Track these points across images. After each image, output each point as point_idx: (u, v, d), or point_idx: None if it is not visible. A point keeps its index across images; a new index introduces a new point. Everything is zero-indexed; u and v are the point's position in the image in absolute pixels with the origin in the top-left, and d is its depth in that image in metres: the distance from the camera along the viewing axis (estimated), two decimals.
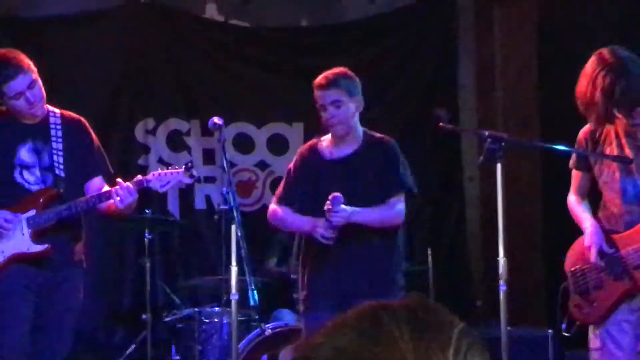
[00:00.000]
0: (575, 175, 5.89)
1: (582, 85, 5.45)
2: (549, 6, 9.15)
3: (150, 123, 9.35)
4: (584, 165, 5.82)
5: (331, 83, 5.93)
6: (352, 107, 5.94)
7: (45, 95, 5.87)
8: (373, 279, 5.82)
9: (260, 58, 9.53)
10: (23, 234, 5.67)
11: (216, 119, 5.66)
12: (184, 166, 5.74)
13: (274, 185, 9.37)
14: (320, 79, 6.01)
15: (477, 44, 9.59)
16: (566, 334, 5.82)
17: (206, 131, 8.71)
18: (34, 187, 5.81)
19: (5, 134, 5.86)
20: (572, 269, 5.78)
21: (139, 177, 5.69)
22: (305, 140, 9.25)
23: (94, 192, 5.86)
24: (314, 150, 6.12)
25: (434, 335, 1.21)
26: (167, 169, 5.77)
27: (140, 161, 9.28)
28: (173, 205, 9.25)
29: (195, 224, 8.97)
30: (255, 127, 9.42)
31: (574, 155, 5.82)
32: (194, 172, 5.79)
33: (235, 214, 5.48)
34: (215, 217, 6.22)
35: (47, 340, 5.79)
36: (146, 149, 9.33)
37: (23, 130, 5.87)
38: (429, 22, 9.54)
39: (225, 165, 5.73)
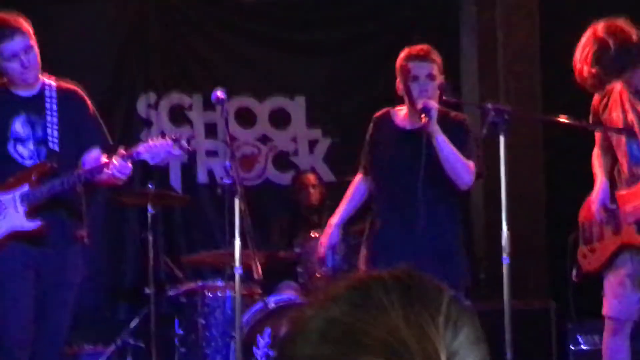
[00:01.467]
0: (596, 134, 6.10)
1: (576, 58, 5.60)
2: None
3: (152, 97, 9.34)
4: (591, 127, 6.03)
5: (428, 56, 5.87)
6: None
7: (40, 65, 5.84)
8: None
9: (261, 32, 9.52)
10: (17, 211, 5.62)
11: (219, 93, 5.64)
12: (172, 139, 5.67)
13: (276, 159, 9.39)
14: (417, 50, 5.94)
15: (478, 18, 9.58)
16: (575, 280, 5.99)
17: (208, 105, 8.72)
18: (28, 162, 5.77)
19: (2, 106, 5.84)
20: (582, 220, 5.98)
21: (128, 150, 5.60)
22: (308, 113, 9.29)
23: (91, 163, 5.81)
24: (390, 120, 6.05)
25: (424, 304, 1.21)
26: (157, 140, 5.70)
27: (142, 135, 9.26)
28: (175, 180, 9.25)
29: (197, 198, 8.96)
30: (257, 100, 9.41)
31: (592, 116, 5.96)
32: (183, 143, 5.70)
33: (237, 187, 5.47)
34: (218, 191, 6.21)
35: (48, 317, 5.79)
36: (148, 124, 9.33)
37: (17, 102, 5.84)
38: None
39: (227, 139, 5.71)
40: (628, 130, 5.81)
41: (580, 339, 6.51)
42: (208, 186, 9.13)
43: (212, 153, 9.33)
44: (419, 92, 5.73)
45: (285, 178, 9.22)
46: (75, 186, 5.70)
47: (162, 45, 9.36)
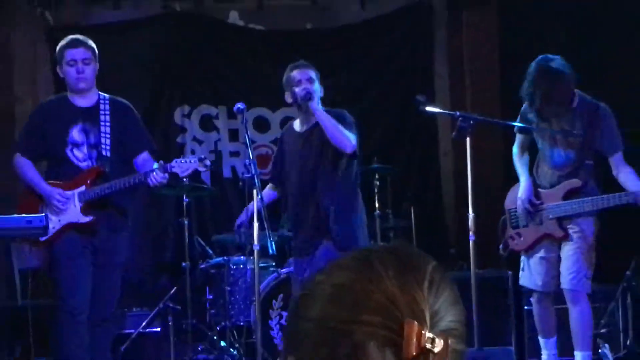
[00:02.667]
0: (519, 136, 6.19)
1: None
2: (507, 11, 9.13)
3: (186, 109, 9.37)
4: (525, 130, 6.11)
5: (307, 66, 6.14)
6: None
7: (94, 80, 5.92)
8: None
9: (273, 55, 9.50)
10: (75, 207, 5.71)
11: (240, 105, 5.68)
12: (197, 157, 5.76)
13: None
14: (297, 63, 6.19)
15: (449, 42, 9.58)
16: (502, 254, 6.09)
17: (231, 115, 8.75)
18: (82, 164, 5.82)
19: (62, 116, 5.87)
20: (509, 207, 6.04)
21: (164, 163, 5.65)
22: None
23: (141, 164, 5.90)
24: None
25: (412, 271, 1.21)
26: (187, 158, 5.83)
27: (179, 139, 9.32)
28: (205, 176, 9.26)
29: (223, 189, 8.99)
30: (271, 111, 9.43)
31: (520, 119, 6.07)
32: (207, 163, 5.81)
33: (255, 181, 5.50)
34: (240, 183, 6.24)
35: (101, 289, 5.84)
36: (183, 130, 9.35)
37: (75, 112, 5.88)
38: (410, 25, 9.51)
39: (247, 142, 5.74)
40: (564, 132, 5.86)
41: (530, 299, 6.53)
42: (231, 180, 9.16)
43: (234, 153, 9.35)
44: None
45: None
46: (122, 188, 5.72)
47: (194, 67, 9.38)
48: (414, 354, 1.13)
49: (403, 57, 9.57)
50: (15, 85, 9.11)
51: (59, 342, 5.77)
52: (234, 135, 9.30)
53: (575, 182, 5.85)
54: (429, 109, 6.59)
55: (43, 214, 5.49)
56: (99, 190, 5.72)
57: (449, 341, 1.16)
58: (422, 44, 9.55)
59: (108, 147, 5.84)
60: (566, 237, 5.87)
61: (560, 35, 8.18)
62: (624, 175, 5.79)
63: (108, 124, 5.87)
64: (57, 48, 5.94)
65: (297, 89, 5.91)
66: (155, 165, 5.67)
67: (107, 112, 5.90)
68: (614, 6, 8.48)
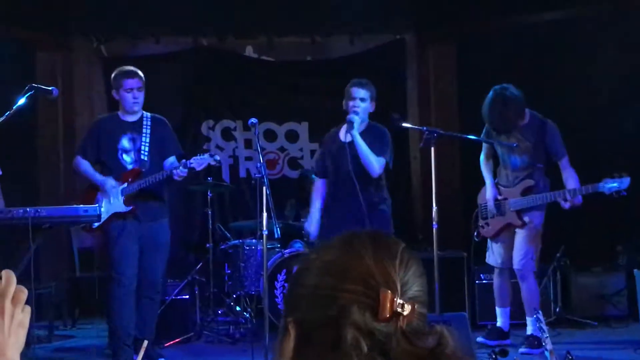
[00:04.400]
0: (484, 147, 6.34)
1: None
2: (464, 48, 9.13)
3: (211, 122, 9.36)
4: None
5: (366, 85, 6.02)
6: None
7: (143, 103, 5.96)
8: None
9: (281, 81, 9.50)
10: (119, 199, 5.75)
11: (253, 119, 5.64)
12: (210, 155, 5.78)
13: (289, 162, 9.40)
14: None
15: (418, 71, 9.57)
16: (475, 239, 6.11)
17: (246, 127, 8.73)
18: (129, 166, 5.87)
19: (114, 127, 5.92)
20: (480, 202, 6.09)
21: (185, 161, 5.67)
22: (310, 133, 9.29)
23: (168, 166, 5.91)
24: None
25: (386, 250, 1.22)
26: (202, 155, 5.75)
27: (205, 147, 9.28)
28: (225, 175, 9.27)
29: (239, 186, 8.96)
30: (277, 124, 9.41)
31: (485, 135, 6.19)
32: (217, 158, 5.85)
33: (265, 180, 5.47)
34: (252, 182, 6.20)
35: (149, 270, 5.88)
36: (208, 139, 9.34)
37: (125, 125, 5.93)
38: (389, 58, 9.49)
39: (258, 149, 5.71)
40: (513, 145, 5.89)
41: (482, 276, 6.52)
42: (246, 179, 9.14)
43: (248, 158, 9.32)
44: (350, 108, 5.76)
45: (295, 174, 9.21)
46: (157, 182, 5.75)
47: (217, 90, 9.37)
48: (388, 315, 1.14)
49: (382, 83, 9.44)
50: (75, 103, 9.10)
51: (113, 306, 5.78)
52: (248, 143, 9.28)
53: (530, 182, 5.97)
54: (404, 124, 6.59)
55: (97, 205, 5.46)
56: (136, 185, 5.78)
57: (415, 306, 1.17)
58: (397, 72, 9.54)
59: (146, 153, 5.89)
60: (523, 225, 5.93)
61: (507, 66, 8.16)
62: (566, 176, 5.91)
63: (148, 134, 5.93)
64: (114, 75, 5.95)
65: (350, 104, 5.77)
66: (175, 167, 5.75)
67: (149, 126, 5.96)
68: (552, 42, 8.48)
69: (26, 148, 8.74)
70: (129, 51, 9.15)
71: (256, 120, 5.66)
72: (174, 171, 5.66)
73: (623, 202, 7.75)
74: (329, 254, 1.24)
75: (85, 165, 5.96)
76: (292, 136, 9.45)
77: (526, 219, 5.97)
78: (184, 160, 5.71)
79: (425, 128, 5.99)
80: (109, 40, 9.14)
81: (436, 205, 5.70)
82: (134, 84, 5.85)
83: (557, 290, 7.13)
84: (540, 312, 3.95)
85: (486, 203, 6.19)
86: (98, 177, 5.88)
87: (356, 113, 5.70)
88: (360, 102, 5.80)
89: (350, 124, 5.65)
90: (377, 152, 5.69)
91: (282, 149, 9.42)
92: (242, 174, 9.30)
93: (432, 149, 5.75)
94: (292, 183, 9.06)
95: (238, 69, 9.44)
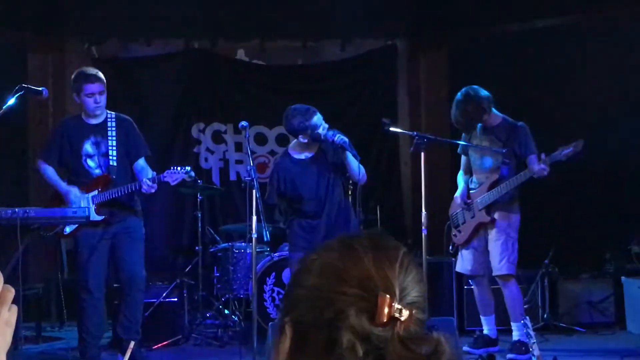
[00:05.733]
0: (462, 160, 6.35)
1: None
2: (455, 54, 9.16)
3: (201, 125, 9.34)
4: (465, 151, 6.29)
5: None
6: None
7: (105, 104, 5.80)
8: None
9: (272, 84, 9.50)
10: (90, 208, 5.61)
11: (243, 122, 5.63)
12: (185, 170, 5.68)
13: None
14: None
15: (409, 77, 9.60)
16: (450, 252, 6.16)
17: (237, 131, 8.73)
18: (96, 171, 5.76)
19: (77, 133, 5.80)
20: (451, 212, 6.11)
21: (156, 175, 5.62)
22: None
23: (138, 169, 5.88)
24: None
25: (386, 254, 1.21)
26: (176, 170, 5.66)
27: (195, 149, 9.30)
28: (216, 178, 9.27)
29: (230, 189, 8.94)
30: (268, 128, 9.40)
31: (460, 147, 6.28)
32: (192, 174, 5.74)
33: (255, 183, 5.47)
34: (242, 185, 6.18)
35: (128, 262, 5.80)
36: (198, 142, 9.33)
37: (88, 129, 5.81)
38: (379, 63, 9.52)
39: (248, 152, 5.71)
40: (501, 152, 5.91)
41: (470, 282, 6.52)
42: (236, 182, 9.12)
43: (239, 161, 9.32)
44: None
45: None
46: (124, 193, 5.67)
47: (208, 92, 9.36)
48: (385, 320, 1.13)
49: (373, 88, 9.57)
50: (66, 105, 9.07)
51: (80, 311, 5.77)
52: (238, 147, 9.28)
53: (495, 176, 5.95)
54: (392, 129, 6.59)
55: (85, 207, 5.44)
56: (108, 194, 5.68)
57: (413, 311, 1.16)
58: (388, 78, 9.57)
59: (114, 157, 5.79)
60: (493, 222, 5.92)
61: (498, 73, 8.19)
62: (529, 163, 5.84)
63: (114, 136, 5.81)
64: (75, 78, 5.75)
65: (330, 133, 5.75)
66: (150, 175, 5.66)
67: (114, 127, 5.84)
68: (543, 50, 8.52)
69: (16, 149, 8.72)
70: (120, 53, 9.14)
71: (247, 123, 5.64)
72: (143, 185, 5.55)
73: (611, 210, 7.81)
74: (328, 256, 1.23)
75: (49, 171, 5.81)
76: (282, 140, 9.43)
77: (496, 216, 5.97)
78: (154, 174, 5.64)
79: (415, 133, 6.00)
80: (100, 42, 9.12)
81: (426, 210, 5.71)
82: (94, 89, 5.68)
83: (544, 296, 7.14)
84: (527, 317, 3.96)
85: (456, 212, 6.22)
86: (62, 186, 5.73)
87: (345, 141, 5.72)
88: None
89: (344, 144, 5.67)
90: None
91: (272, 153, 9.41)
92: (233, 177, 9.29)
93: (422, 154, 5.76)
94: None
95: (229, 72, 9.44)
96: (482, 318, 6.21)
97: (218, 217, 8.97)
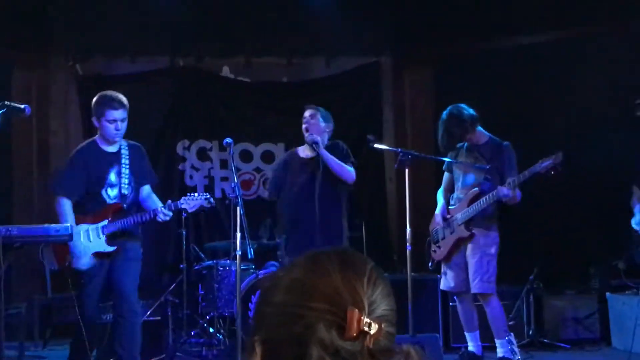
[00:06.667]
0: (445, 178, 6.38)
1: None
2: (440, 71, 9.21)
3: (186, 142, 9.33)
4: (450, 169, 6.29)
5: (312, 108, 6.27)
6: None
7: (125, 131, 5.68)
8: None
9: (257, 101, 9.51)
10: (99, 238, 5.53)
11: (228, 139, 5.62)
12: (204, 196, 5.69)
13: (264, 183, 9.39)
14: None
15: (394, 94, 9.63)
16: (430, 269, 6.16)
17: (222, 148, 8.69)
18: (112, 201, 5.62)
19: (100, 161, 5.62)
20: (431, 228, 6.11)
21: (173, 202, 5.58)
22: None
23: (144, 195, 5.81)
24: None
25: (354, 269, 1.21)
26: (195, 196, 5.66)
27: (180, 167, 9.28)
28: None
29: (214, 207, 8.86)
30: (253, 145, 9.41)
31: (446, 163, 6.26)
32: (212, 201, 5.74)
33: (239, 200, 5.45)
34: (227, 202, 6.20)
35: (124, 284, 5.64)
36: (183, 159, 9.32)
37: (109, 157, 5.65)
38: (364, 80, 9.57)
39: (233, 169, 5.70)
40: (484, 168, 5.93)
41: (455, 298, 6.52)
42: (221, 199, 9.09)
43: (224, 178, 9.30)
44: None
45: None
46: (136, 223, 5.61)
47: (193, 109, 9.35)
48: (354, 334, 1.13)
49: (358, 105, 9.60)
50: (50, 122, 9.05)
51: (80, 339, 5.50)
52: (224, 164, 9.27)
53: (475, 191, 5.96)
54: (377, 145, 6.62)
55: (69, 224, 5.34)
56: (119, 224, 5.53)
57: (383, 325, 1.16)
58: (373, 94, 9.60)
59: (127, 186, 5.65)
60: (472, 236, 5.93)
61: (483, 89, 8.23)
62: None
63: (128, 165, 5.68)
64: (98, 101, 5.57)
65: (306, 135, 6.03)
66: (160, 205, 5.61)
67: (127, 156, 5.69)
68: (528, 66, 8.57)
69: (0, 167, 8.67)
70: (105, 70, 9.13)
71: (231, 140, 5.64)
72: (159, 214, 5.49)
73: (596, 225, 7.84)
74: (295, 272, 1.23)
75: (67, 208, 5.52)
76: (268, 157, 9.44)
77: (474, 231, 5.97)
78: (170, 202, 5.54)
79: (399, 150, 6.03)
80: (84, 59, 9.11)
81: (410, 227, 5.71)
82: (118, 116, 5.51)
83: (529, 312, 7.15)
84: (511, 334, 3.96)
85: (436, 228, 6.23)
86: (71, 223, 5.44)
87: (310, 132, 6.03)
88: (311, 119, 6.11)
89: (315, 143, 5.93)
90: (342, 162, 5.99)
91: (257, 170, 9.41)
92: (218, 194, 9.27)
93: (407, 170, 5.77)
94: (267, 203, 9.04)
95: (214, 89, 9.45)
96: (466, 334, 6.20)
97: (203, 234, 8.94)
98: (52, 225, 5.28)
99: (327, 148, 6.06)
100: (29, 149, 8.88)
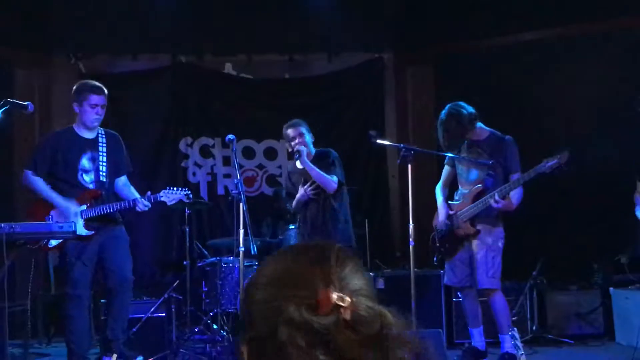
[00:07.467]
0: (444, 172, 6.35)
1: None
2: (441, 68, 9.20)
3: (189, 140, 9.35)
4: (452, 163, 6.24)
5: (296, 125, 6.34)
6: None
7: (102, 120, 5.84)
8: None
9: (259, 98, 9.51)
10: (78, 222, 5.62)
11: (230, 136, 5.64)
12: (185, 191, 5.83)
13: (267, 179, 9.40)
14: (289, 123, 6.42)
15: (396, 90, 9.63)
16: (435, 263, 6.14)
17: (225, 145, 8.70)
18: (90, 186, 5.77)
19: (73, 146, 5.78)
20: (435, 224, 6.09)
21: (153, 195, 5.74)
22: (289, 151, 9.28)
23: (120, 186, 6.01)
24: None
25: (321, 254, 1.24)
26: (174, 190, 5.80)
27: (183, 164, 9.29)
28: (203, 192, 9.25)
29: (217, 204, 8.94)
30: (256, 142, 9.41)
31: (447, 157, 6.22)
32: (191, 196, 5.91)
33: (242, 197, 5.46)
34: (230, 199, 6.20)
35: (116, 264, 5.80)
36: (186, 156, 9.33)
37: (84, 143, 5.80)
38: (367, 76, 9.56)
39: (236, 166, 5.71)
40: (487, 164, 5.92)
41: (459, 294, 6.51)
42: (224, 196, 9.11)
43: (227, 175, 9.32)
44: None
45: (272, 191, 9.21)
46: (114, 210, 5.73)
47: (196, 107, 9.36)
48: (328, 309, 1.15)
49: (360, 101, 9.60)
50: (53, 119, 9.06)
51: (69, 324, 5.72)
52: (226, 161, 9.29)
53: (479, 187, 5.94)
54: (380, 141, 6.60)
55: (72, 222, 5.39)
56: (98, 210, 5.69)
57: (357, 298, 1.17)
58: (376, 91, 9.60)
59: (104, 173, 5.81)
60: (477, 232, 5.92)
61: (484, 86, 8.23)
62: (510, 180, 5.87)
63: (105, 152, 5.83)
64: (79, 88, 5.76)
65: (292, 144, 6.20)
66: (138, 195, 5.79)
67: (104, 144, 5.86)
68: (529, 63, 8.56)
69: (2, 165, 8.68)
70: (107, 68, 9.14)
71: (233, 136, 5.65)
72: (138, 204, 5.66)
73: (599, 220, 7.83)
74: (269, 268, 1.26)
75: (40, 183, 5.73)
76: (270, 153, 9.45)
77: (479, 227, 5.97)
78: (149, 194, 5.70)
79: (402, 145, 6.02)
80: (87, 57, 9.12)
81: (413, 222, 5.71)
82: (99, 101, 5.71)
83: (533, 308, 7.15)
84: (515, 329, 3.96)
85: (440, 224, 6.21)
86: (59, 200, 5.67)
87: (298, 150, 6.14)
88: (300, 137, 6.21)
89: (298, 153, 6.08)
90: (327, 172, 6.08)
91: (260, 167, 9.42)
92: (220, 191, 9.28)
93: (409, 166, 5.77)
94: (270, 200, 9.06)
95: (217, 86, 9.45)
96: (470, 330, 6.20)
97: (206, 231, 8.96)
98: (55, 222, 5.31)
99: (316, 156, 6.21)
100: (32, 146, 8.88)
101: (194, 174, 9.32)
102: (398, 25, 9.12)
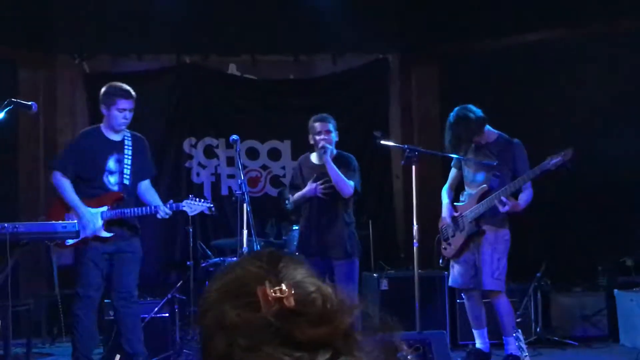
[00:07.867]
0: (451, 174, 6.33)
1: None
2: (446, 68, 9.20)
3: (193, 140, 9.35)
4: (458, 166, 6.21)
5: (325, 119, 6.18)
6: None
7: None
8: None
9: (263, 99, 9.51)
10: (98, 223, 5.63)
11: (234, 136, 5.64)
12: (207, 204, 5.81)
13: (271, 180, 9.40)
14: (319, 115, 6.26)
15: (401, 91, 9.62)
16: (441, 265, 6.13)
17: (229, 145, 8.71)
18: (114, 187, 5.75)
19: (101, 146, 5.76)
20: (441, 226, 6.07)
21: (175, 203, 5.74)
22: (292, 151, 9.28)
23: (143, 190, 5.95)
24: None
25: (254, 258, 1.24)
26: (197, 201, 5.79)
27: (187, 164, 9.30)
28: (207, 193, 9.24)
29: (221, 204, 8.92)
30: (260, 142, 9.41)
31: (454, 160, 6.20)
32: (213, 210, 5.88)
33: (246, 197, 5.45)
34: (234, 199, 6.18)
35: (124, 279, 5.78)
36: (190, 157, 9.33)
37: (111, 145, 5.78)
38: (371, 77, 9.56)
39: (240, 166, 5.70)
40: (492, 165, 5.90)
41: (463, 295, 6.50)
42: (228, 197, 9.11)
43: (230, 175, 9.32)
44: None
45: (277, 192, 9.21)
46: (135, 215, 5.71)
47: (200, 107, 9.36)
48: (270, 303, 1.14)
49: (365, 102, 9.59)
50: (57, 120, 9.07)
51: (75, 323, 5.69)
52: (230, 161, 9.28)
53: (484, 187, 5.92)
54: (384, 142, 6.60)
55: (75, 222, 5.40)
56: (119, 213, 5.67)
57: (299, 284, 1.17)
58: (380, 91, 9.59)
59: (128, 176, 5.79)
60: (483, 233, 5.90)
61: (489, 87, 8.22)
62: (520, 195, 5.88)
63: (130, 155, 5.82)
64: (108, 91, 5.72)
65: (317, 138, 6.04)
66: (160, 202, 5.76)
67: (130, 147, 5.84)
68: (534, 63, 8.55)
69: (6, 165, 8.69)
70: (111, 68, 9.14)
71: (237, 137, 5.65)
72: (159, 212, 5.66)
73: (603, 222, 7.82)
74: (214, 284, 1.25)
75: (67, 186, 5.68)
76: (274, 154, 9.45)
77: (485, 228, 5.95)
78: (171, 202, 5.70)
79: (406, 146, 6.01)
80: (91, 57, 9.13)
81: (417, 223, 5.70)
82: (127, 105, 5.70)
83: (537, 310, 7.13)
84: (519, 330, 3.95)
85: (446, 225, 6.20)
86: (81, 208, 5.63)
87: (324, 146, 6.00)
88: (327, 134, 6.07)
89: (324, 149, 5.94)
90: (347, 177, 5.98)
91: (264, 167, 9.41)
92: (224, 191, 9.28)
93: (414, 167, 5.76)
94: (274, 201, 9.06)
95: (221, 86, 9.45)
96: (474, 332, 6.19)
97: (210, 232, 8.95)
98: (59, 222, 5.32)
99: (338, 158, 6.08)
100: (36, 146, 8.90)
101: (197, 174, 9.32)
102: (403, 26, 9.10)
